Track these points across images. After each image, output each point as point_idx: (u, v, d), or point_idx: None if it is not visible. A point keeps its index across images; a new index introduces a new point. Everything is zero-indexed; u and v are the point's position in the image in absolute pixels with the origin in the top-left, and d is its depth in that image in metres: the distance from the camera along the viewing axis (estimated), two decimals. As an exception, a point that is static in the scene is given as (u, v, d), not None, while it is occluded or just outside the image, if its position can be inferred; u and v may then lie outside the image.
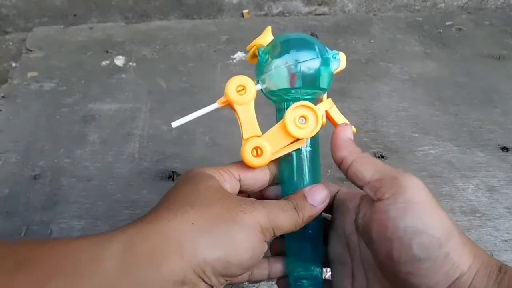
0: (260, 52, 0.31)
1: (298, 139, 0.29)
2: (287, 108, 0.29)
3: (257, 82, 0.30)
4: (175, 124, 0.31)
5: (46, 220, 0.47)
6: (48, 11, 0.80)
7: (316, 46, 0.30)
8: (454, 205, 0.48)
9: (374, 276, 0.28)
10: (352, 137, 0.30)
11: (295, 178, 0.30)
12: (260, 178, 0.30)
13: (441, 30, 0.73)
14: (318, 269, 0.31)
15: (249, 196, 0.32)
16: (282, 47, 0.30)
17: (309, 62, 0.29)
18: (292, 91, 0.29)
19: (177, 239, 0.24)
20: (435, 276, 0.23)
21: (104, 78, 0.64)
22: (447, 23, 0.74)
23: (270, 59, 0.29)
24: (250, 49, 0.31)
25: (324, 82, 0.30)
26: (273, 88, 0.30)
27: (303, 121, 0.29)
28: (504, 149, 0.53)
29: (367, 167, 0.27)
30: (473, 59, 0.67)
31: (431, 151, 0.53)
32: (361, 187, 0.28)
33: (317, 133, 0.29)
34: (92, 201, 0.49)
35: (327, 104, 0.30)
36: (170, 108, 0.59)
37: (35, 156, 0.54)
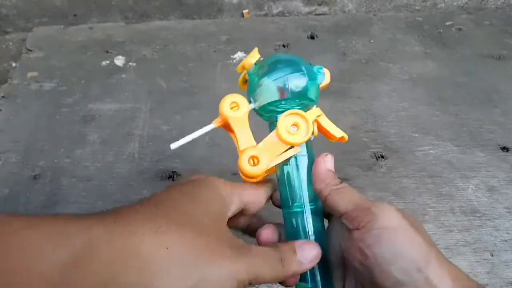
0: (249, 74, 0.32)
1: (292, 146, 0.30)
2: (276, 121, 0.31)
3: (250, 102, 0.32)
4: (174, 146, 0.32)
5: (46, 220, 0.47)
6: (48, 11, 0.80)
7: (301, 63, 0.31)
8: (454, 205, 0.48)
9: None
10: (332, 167, 0.30)
11: (293, 184, 0.31)
12: (259, 196, 0.31)
13: (441, 30, 0.73)
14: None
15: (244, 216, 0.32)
16: (269, 66, 0.31)
17: (295, 75, 0.30)
18: (282, 102, 0.31)
19: (141, 261, 0.21)
20: None
21: (104, 78, 0.64)
22: (447, 23, 0.74)
23: (259, 78, 0.31)
24: (241, 72, 0.33)
25: (311, 93, 0.31)
26: (264, 103, 0.31)
27: (295, 128, 0.30)
28: (504, 149, 0.53)
29: (342, 199, 0.28)
30: (473, 59, 0.67)
31: (431, 151, 0.53)
32: (339, 217, 0.28)
33: (309, 139, 0.30)
34: (92, 201, 0.49)
35: (316, 112, 0.31)
36: (170, 108, 0.59)
37: (35, 156, 0.54)
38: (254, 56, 0.32)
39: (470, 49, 0.69)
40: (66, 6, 0.80)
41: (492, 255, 0.43)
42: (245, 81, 0.33)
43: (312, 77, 0.31)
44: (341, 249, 0.29)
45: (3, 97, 0.62)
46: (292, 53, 0.68)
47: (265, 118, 0.33)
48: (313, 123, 0.30)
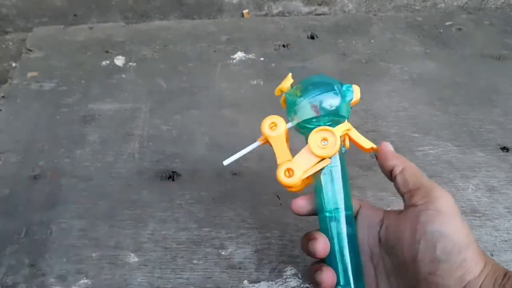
0: (286, 96, 0.37)
1: (323, 158, 0.34)
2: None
3: (288, 121, 0.36)
4: (226, 162, 0.38)
5: (46, 220, 0.47)
6: (48, 11, 0.80)
7: (333, 82, 0.35)
8: (454, 205, 0.48)
9: (394, 284, 0.31)
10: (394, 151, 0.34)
11: (327, 192, 0.34)
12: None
13: (441, 30, 0.73)
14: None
15: None
16: (303, 87, 0.35)
17: (326, 94, 0.34)
18: (314, 120, 0.34)
19: None
20: (450, 277, 0.27)
21: (104, 78, 0.64)
22: (447, 23, 0.74)
23: (294, 99, 0.35)
24: (278, 95, 0.37)
25: (341, 110, 0.34)
26: (299, 120, 0.35)
27: (325, 143, 0.34)
28: (504, 149, 0.53)
29: (412, 177, 0.32)
30: (473, 59, 0.67)
31: (431, 151, 0.53)
32: (402, 194, 0.32)
33: (341, 154, 0.35)
34: (92, 201, 0.49)
35: (344, 126, 0.35)
36: (170, 108, 0.59)
37: (35, 156, 0.54)
38: (288, 80, 0.36)
39: (470, 49, 0.69)
40: (66, 6, 0.80)
41: (492, 255, 0.43)
42: (285, 101, 0.37)
43: (342, 96, 0.35)
44: (370, 249, 0.33)
45: (3, 97, 0.62)
46: (292, 53, 0.68)
47: (302, 134, 0.36)
48: (341, 137, 0.34)
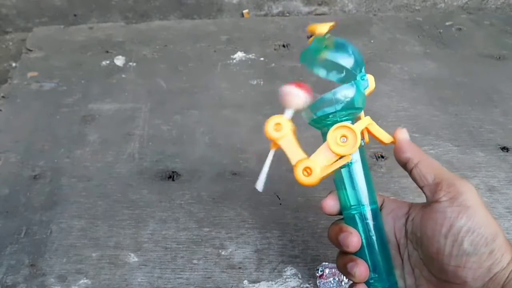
0: (314, 40, 0.34)
1: (342, 156, 0.32)
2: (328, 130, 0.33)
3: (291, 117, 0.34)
4: (259, 187, 0.34)
5: (46, 220, 0.47)
6: (48, 11, 0.80)
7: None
8: (454, 205, 0.48)
9: (420, 274, 0.31)
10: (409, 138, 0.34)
11: (349, 189, 0.33)
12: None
13: (441, 30, 0.73)
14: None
15: None
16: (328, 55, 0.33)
17: (341, 90, 0.32)
18: (330, 116, 0.32)
19: None
20: (479, 269, 0.28)
21: (104, 78, 0.64)
22: (447, 23, 0.74)
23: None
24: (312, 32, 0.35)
25: (356, 102, 0.33)
26: (315, 117, 0.33)
27: (344, 140, 0.32)
28: (504, 149, 0.53)
29: (430, 170, 0.31)
30: (473, 59, 0.67)
31: (431, 151, 0.53)
32: (420, 187, 0.32)
33: (360, 147, 0.33)
34: (92, 201, 0.49)
35: (365, 122, 0.33)
36: (170, 108, 0.59)
37: (35, 156, 0.54)
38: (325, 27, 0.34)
39: (470, 49, 0.68)
40: (66, 6, 0.80)
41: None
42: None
43: (357, 88, 0.33)
44: (397, 240, 0.33)
45: (3, 97, 0.62)
46: (292, 53, 0.68)
47: (316, 128, 0.35)
48: (361, 133, 0.32)
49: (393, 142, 0.34)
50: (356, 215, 0.33)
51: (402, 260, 0.33)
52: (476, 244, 0.28)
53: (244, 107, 0.59)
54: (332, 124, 0.32)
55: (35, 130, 0.57)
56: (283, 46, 0.69)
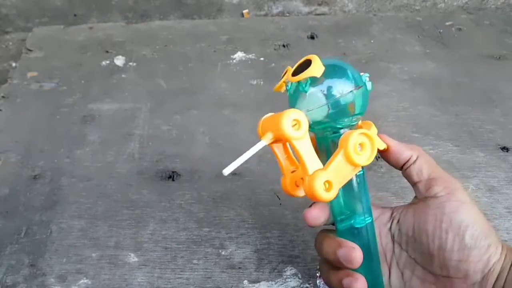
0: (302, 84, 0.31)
1: (360, 167, 0.30)
2: (331, 136, 0.31)
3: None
4: (226, 171, 0.28)
5: (46, 220, 0.47)
6: (48, 11, 0.80)
7: (351, 75, 0.31)
8: (454, 205, 0.48)
9: (412, 275, 0.32)
10: None
11: (354, 199, 0.32)
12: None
13: (441, 30, 0.73)
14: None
15: None
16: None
17: (346, 96, 0.30)
18: (345, 120, 0.31)
19: None
20: (479, 262, 0.29)
21: (104, 78, 0.64)
22: (447, 23, 0.74)
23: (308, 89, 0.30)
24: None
25: (360, 107, 0.32)
26: (315, 120, 0.30)
27: (359, 148, 0.29)
28: (504, 149, 0.53)
29: (426, 166, 0.32)
30: (473, 59, 0.67)
31: (431, 151, 0.53)
32: (415, 183, 0.32)
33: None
34: (92, 201, 0.49)
35: (375, 130, 0.32)
36: (170, 108, 0.59)
37: (35, 156, 0.54)
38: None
39: (470, 49, 0.68)
40: (66, 6, 0.80)
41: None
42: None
43: (365, 92, 0.32)
44: (383, 248, 0.33)
45: (3, 97, 0.62)
46: (292, 53, 0.68)
47: (312, 130, 0.32)
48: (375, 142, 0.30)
49: (385, 150, 0.33)
50: (362, 229, 0.31)
51: (389, 267, 0.33)
52: (476, 237, 0.29)
53: (244, 107, 0.59)
54: (334, 130, 0.30)
55: (35, 130, 0.57)
56: (283, 46, 0.69)
